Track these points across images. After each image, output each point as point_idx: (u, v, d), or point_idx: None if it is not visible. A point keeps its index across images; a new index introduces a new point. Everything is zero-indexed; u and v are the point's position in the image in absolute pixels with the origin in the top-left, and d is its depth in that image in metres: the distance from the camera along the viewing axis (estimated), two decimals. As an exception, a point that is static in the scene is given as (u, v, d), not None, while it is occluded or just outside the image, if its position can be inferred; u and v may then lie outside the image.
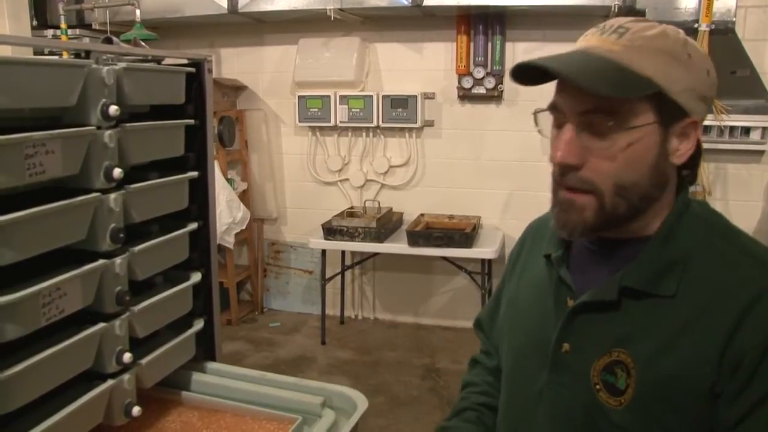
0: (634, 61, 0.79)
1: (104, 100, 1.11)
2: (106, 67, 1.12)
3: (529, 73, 0.83)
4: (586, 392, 0.86)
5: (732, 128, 3.31)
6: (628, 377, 0.82)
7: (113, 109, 1.12)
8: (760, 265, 0.82)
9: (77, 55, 1.17)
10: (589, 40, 0.84)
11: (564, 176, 0.84)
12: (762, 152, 3.49)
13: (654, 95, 0.79)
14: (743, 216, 3.51)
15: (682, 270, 0.83)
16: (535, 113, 0.89)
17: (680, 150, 0.84)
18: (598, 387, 0.85)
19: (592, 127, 0.81)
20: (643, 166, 0.81)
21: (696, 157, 0.88)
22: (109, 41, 1.32)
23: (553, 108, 0.85)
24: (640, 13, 3.22)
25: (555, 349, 0.90)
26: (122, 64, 1.17)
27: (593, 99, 0.79)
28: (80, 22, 3.97)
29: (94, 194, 1.11)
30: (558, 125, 0.85)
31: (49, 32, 3.89)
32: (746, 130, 3.32)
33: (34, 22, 3.83)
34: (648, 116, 0.80)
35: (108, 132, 1.13)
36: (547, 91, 0.87)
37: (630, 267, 0.85)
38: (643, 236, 0.87)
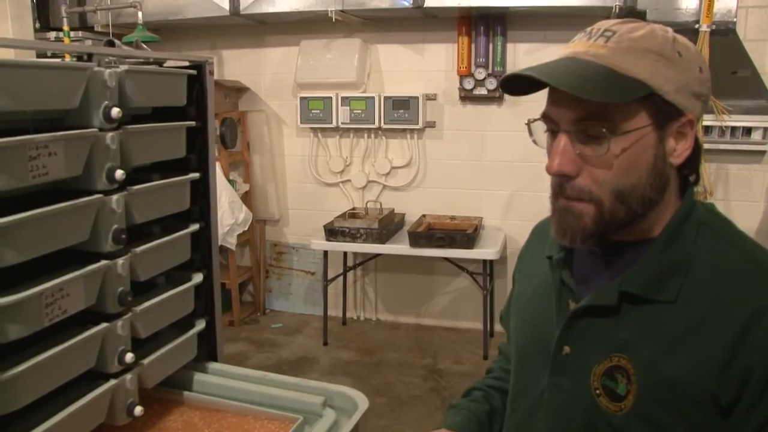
0: (623, 64, 0.78)
1: (106, 102, 1.12)
2: (108, 70, 1.13)
3: (519, 84, 0.83)
4: (587, 396, 0.86)
5: (733, 128, 3.31)
6: (628, 383, 0.82)
7: (115, 112, 1.12)
8: (766, 273, 0.80)
9: (79, 58, 1.18)
10: (576, 45, 0.83)
11: (562, 186, 0.83)
12: (763, 152, 3.49)
13: (646, 97, 0.78)
14: (745, 216, 3.51)
15: (684, 275, 0.81)
16: (529, 123, 0.88)
17: (678, 150, 0.82)
18: (598, 392, 0.85)
19: (586, 135, 0.80)
20: (640, 170, 0.80)
21: (695, 155, 0.86)
22: (111, 44, 1.33)
23: (545, 117, 0.84)
24: (640, 14, 3.22)
25: (556, 351, 0.90)
26: (124, 67, 1.18)
27: (585, 106, 0.78)
28: (83, 24, 3.98)
29: (96, 196, 1.12)
30: (552, 134, 0.84)
31: (52, 34, 3.91)
32: (747, 131, 3.32)
33: (37, 25, 3.84)
34: (642, 119, 0.79)
35: (110, 134, 1.14)
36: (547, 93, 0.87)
37: (630, 271, 0.84)
38: (645, 239, 0.86)
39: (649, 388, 0.80)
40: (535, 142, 0.89)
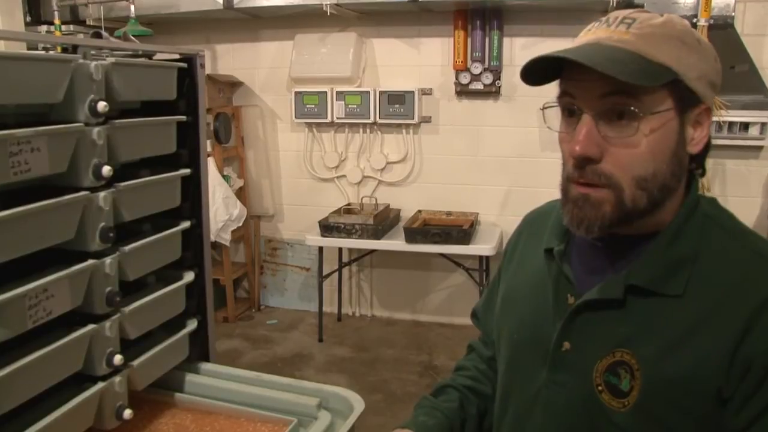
0: (649, 49, 0.78)
1: (92, 96, 1.09)
2: (94, 62, 1.09)
3: (541, 69, 0.81)
4: (588, 393, 0.84)
5: (731, 124, 3.29)
6: (632, 379, 0.80)
7: (101, 105, 1.09)
8: None
9: (65, 50, 1.14)
10: (596, 32, 0.82)
11: (581, 170, 0.81)
12: (761, 148, 3.47)
13: (670, 82, 0.78)
14: (742, 212, 3.45)
15: (690, 269, 0.81)
16: (544, 108, 0.87)
17: (695, 138, 0.83)
18: (600, 388, 0.83)
19: (612, 116, 0.78)
20: (664, 155, 0.80)
21: (707, 147, 0.86)
22: (98, 35, 1.29)
23: (564, 95, 0.82)
24: (639, 7, 3.19)
25: (555, 347, 0.88)
26: (111, 60, 1.14)
27: (613, 87, 0.77)
28: (74, 18, 3.94)
29: (82, 193, 1.09)
30: (568, 120, 0.83)
31: (43, 28, 3.86)
32: (745, 126, 3.31)
33: (28, 18, 3.79)
34: (667, 103, 0.79)
35: (96, 129, 1.11)
36: (545, 87, 0.86)
37: (636, 264, 0.83)
38: (649, 233, 0.84)
39: (654, 383, 0.79)
40: (550, 128, 0.87)
